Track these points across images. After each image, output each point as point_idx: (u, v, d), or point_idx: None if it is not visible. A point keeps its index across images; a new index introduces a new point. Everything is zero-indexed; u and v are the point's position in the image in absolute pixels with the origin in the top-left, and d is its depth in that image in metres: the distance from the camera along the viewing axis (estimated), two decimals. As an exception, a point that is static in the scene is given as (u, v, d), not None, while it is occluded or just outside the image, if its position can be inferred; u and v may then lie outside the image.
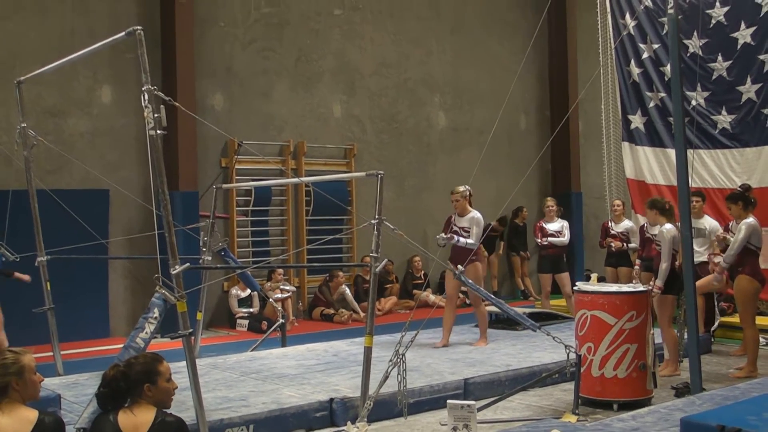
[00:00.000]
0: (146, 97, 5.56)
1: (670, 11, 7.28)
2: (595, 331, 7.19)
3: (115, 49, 10.75)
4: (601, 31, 12.26)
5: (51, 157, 10.38)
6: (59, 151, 9.88)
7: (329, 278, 12.72)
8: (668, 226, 8.25)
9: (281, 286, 11.97)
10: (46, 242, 8.31)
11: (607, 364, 7.11)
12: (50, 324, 8.25)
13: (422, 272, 13.96)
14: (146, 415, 3.88)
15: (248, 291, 11.72)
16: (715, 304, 10.18)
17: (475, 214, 9.32)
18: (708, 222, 9.83)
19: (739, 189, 9.52)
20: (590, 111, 15.56)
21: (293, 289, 12.56)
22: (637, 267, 10.45)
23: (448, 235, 9.22)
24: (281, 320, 10.12)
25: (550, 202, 12.28)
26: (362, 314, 12.15)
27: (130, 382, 3.94)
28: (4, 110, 10.41)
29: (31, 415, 3.69)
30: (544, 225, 12.01)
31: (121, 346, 5.95)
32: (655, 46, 11.37)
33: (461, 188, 9.45)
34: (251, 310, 11.88)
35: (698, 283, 8.39)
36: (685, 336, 7.87)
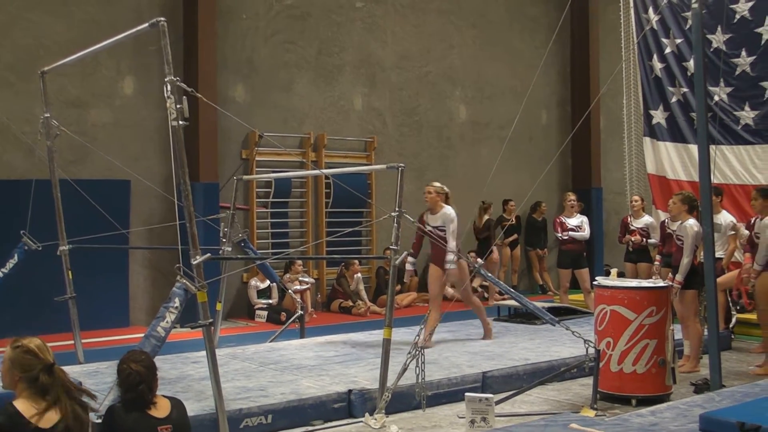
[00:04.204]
0: (169, 88, 5.59)
1: (694, 6, 7.23)
2: (614, 327, 7.17)
3: (138, 40, 10.80)
4: (624, 26, 12.17)
5: (73, 147, 10.45)
6: (82, 141, 9.94)
7: (345, 267, 12.72)
8: (692, 221, 8.19)
9: (300, 278, 12.00)
10: (67, 232, 8.39)
11: (626, 359, 7.09)
12: (71, 313, 8.33)
13: (441, 266, 13.92)
14: None
15: (267, 282, 11.77)
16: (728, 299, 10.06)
17: (446, 210, 8.94)
18: (724, 217, 9.76)
19: None
20: (612, 106, 15.47)
21: (312, 280, 12.59)
22: (657, 263, 10.38)
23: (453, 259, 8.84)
24: (300, 312, 10.16)
25: (572, 196, 12.17)
26: (380, 308, 12.18)
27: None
28: (28, 101, 10.49)
29: None
30: (563, 220, 11.92)
31: (141, 335, 6.00)
32: (678, 41, 11.27)
33: (437, 184, 9.13)
34: (270, 301, 11.93)
35: (719, 279, 8.33)
36: (705, 332, 7.83)
